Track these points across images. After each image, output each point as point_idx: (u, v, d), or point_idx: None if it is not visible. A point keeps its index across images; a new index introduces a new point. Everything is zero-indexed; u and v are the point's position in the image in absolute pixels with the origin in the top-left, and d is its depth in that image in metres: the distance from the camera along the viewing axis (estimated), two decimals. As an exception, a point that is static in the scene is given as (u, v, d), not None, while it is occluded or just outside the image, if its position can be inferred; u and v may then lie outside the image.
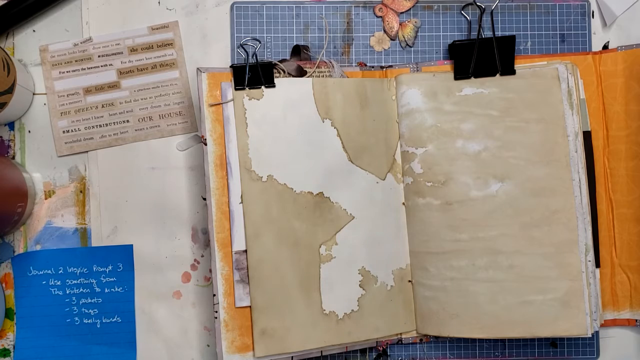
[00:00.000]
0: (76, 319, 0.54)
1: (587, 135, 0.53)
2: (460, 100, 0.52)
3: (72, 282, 0.54)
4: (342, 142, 0.51)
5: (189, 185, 0.54)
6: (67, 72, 0.54)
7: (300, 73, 0.52)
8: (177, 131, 0.54)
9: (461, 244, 0.51)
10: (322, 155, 0.51)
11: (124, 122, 0.54)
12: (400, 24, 0.55)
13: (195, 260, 0.54)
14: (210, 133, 0.50)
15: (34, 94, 0.54)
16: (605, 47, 0.55)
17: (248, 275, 0.49)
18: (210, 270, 0.53)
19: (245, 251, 0.50)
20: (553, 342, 0.55)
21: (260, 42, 0.54)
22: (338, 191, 0.51)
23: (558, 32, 0.55)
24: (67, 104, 0.54)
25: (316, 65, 0.52)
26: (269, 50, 0.54)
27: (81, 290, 0.54)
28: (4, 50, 0.50)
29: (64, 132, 0.54)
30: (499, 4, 0.55)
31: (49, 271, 0.54)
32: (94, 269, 0.54)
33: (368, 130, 0.52)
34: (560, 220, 0.50)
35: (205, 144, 0.50)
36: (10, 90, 0.50)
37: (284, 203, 0.50)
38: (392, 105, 0.53)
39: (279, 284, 0.50)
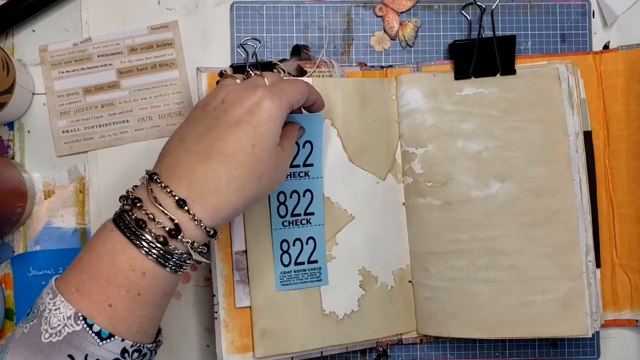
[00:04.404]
0: (76, 319, 0.54)
1: (587, 135, 0.53)
2: (460, 100, 0.52)
3: (71, 282, 0.54)
4: (342, 142, 0.51)
5: (189, 186, 0.54)
6: (67, 72, 0.54)
7: (300, 73, 0.52)
8: (176, 131, 0.54)
9: (461, 244, 0.51)
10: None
11: (123, 122, 0.54)
12: (401, 24, 0.55)
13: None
14: (210, 133, 0.50)
15: (33, 94, 0.54)
16: (606, 46, 0.55)
17: (248, 276, 0.49)
18: (210, 271, 0.52)
19: (245, 251, 0.49)
20: (554, 343, 0.55)
21: (260, 42, 0.54)
22: (338, 191, 0.51)
23: (558, 32, 0.55)
24: (66, 104, 0.54)
25: (316, 65, 0.52)
26: (269, 50, 0.54)
27: (81, 290, 0.54)
28: (4, 50, 0.50)
29: (63, 132, 0.54)
30: (499, 3, 0.55)
31: (49, 271, 0.53)
32: (94, 269, 0.54)
33: (368, 130, 0.52)
34: (560, 220, 0.50)
35: (205, 144, 0.50)
36: (9, 90, 0.50)
37: (284, 203, 0.50)
38: (392, 105, 0.53)
39: (279, 284, 0.50)
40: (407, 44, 0.55)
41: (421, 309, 0.52)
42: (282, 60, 0.53)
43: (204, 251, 0.39)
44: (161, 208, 0.37)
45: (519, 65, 0.52)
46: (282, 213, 0.49)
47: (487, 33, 0.54)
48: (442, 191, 0.51)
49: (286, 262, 0.49)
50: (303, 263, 0.49)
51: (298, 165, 0.48)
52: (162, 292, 0.38)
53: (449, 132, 0.51)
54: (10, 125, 0.54)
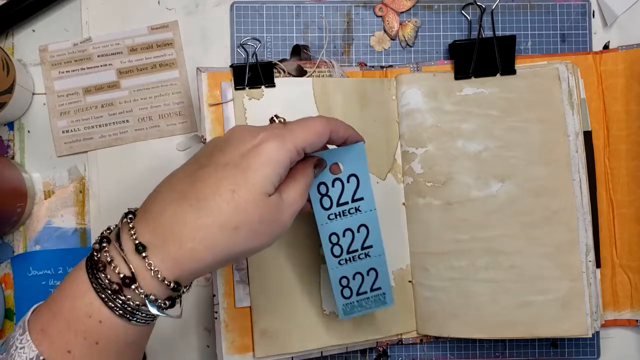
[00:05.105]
0: (76, 319, 0.53)
1: (587, 135, 0.53)
2: (460, 100, 0.52)
3: (71, 282, 0.54)
4: (342, 142, 0.51)
5: (189, 186, 0.54)
6: (67, 72, 0.54)
7: (300, 73, 0.52)
8: (177, 131, 0.54)
9: (461, 244, 0.51)
10: (322, 155, 0.51)
11: (123, 122, 0.54)
12: (401, 24, 0.55)
13: (195, 260, 0.54)
14: (210, 133, 0.50)
15: (33, 94, 0.54)
16: (606, 46, 0.55)
17: (248, 276, 0.49)
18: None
19: (245, 251, 0.49)
20: (554, 343, 0.55)
21: (260, 42, 0.54)
22: (338, 191, 0.51)
23: (558, 31, 0.55)
24: (66, 104, 0.54)
25: (316, 65, 0.52)
26: (269, 50, 0.54)
27: (81, 290, 0.54)
28: (4, 50, 0.50)
29: (63, 132, 0.54)
30: (499, 3, 0.55)
31: (49, 271, 0.53)
32: (94, 269, 0.54)
33: (368, 130, 0.52)
34: (560, 220, 0.50)
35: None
36: (9, 90, 0.50)
37: (284, 203, 0.50)
38: (392, 105, 0.53)
39: (279, 284, 0.50)
40: (407, 44, 0.55)
41: (421, 309, 0.52)
42: (282, 60, 0.53)
43: (164, 306, 0.34)
44: (121, 252, 0.33)
45: (519, 65, 0.52)
46: (337, 253, 0.45)
47: (487, 33, 0.54)
48: (442, 191, 0.51)
49: (347, 295, 0.47)
50: (365, 292, 0.47)
51: (346, 202, 0.43)
52: (123, 343, 0.34)
53: (449, 132, 0.51)
54: (10, 125, 0.54)
